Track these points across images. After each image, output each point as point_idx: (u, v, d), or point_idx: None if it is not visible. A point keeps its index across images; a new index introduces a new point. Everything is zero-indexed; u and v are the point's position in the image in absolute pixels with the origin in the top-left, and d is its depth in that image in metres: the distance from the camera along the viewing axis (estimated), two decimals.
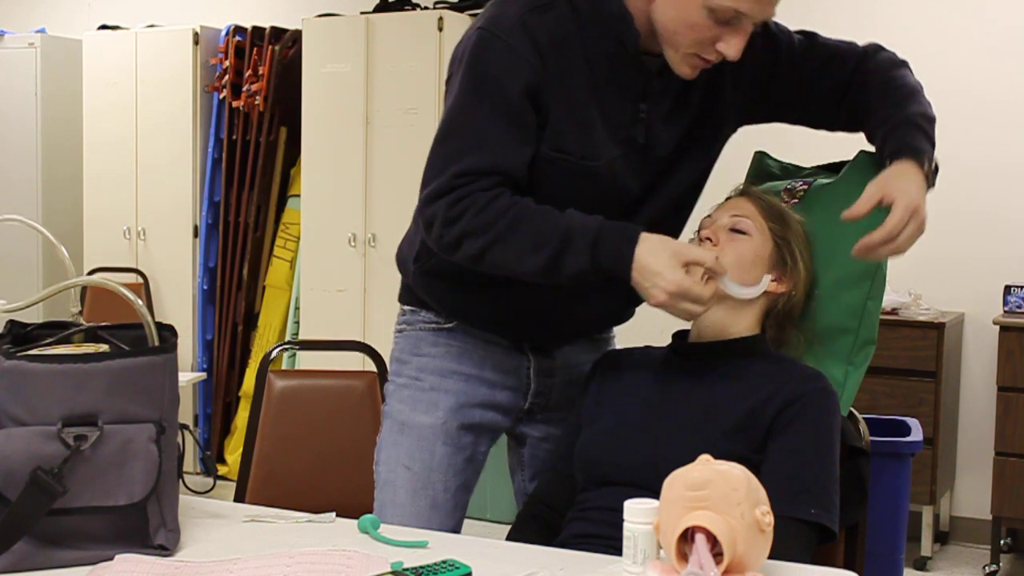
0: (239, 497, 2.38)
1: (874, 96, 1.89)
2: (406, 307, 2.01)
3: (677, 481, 1.36)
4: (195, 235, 5.27)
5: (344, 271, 4.84)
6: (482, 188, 1.70)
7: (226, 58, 5.20)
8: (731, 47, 1.70)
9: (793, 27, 1.99)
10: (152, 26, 5.50)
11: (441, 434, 1.93)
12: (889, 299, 4.07)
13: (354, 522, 1.65)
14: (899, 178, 1.77)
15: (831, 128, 1.96)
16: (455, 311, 1.93)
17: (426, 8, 4.86)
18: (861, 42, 1.99)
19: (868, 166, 1.88)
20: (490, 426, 1.99)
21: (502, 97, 1.72)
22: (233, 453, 5.21)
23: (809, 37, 1.97)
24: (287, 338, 5.13)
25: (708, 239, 1.82)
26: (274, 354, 2.54)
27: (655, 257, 1.66)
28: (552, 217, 1.71)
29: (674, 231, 1.92)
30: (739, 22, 1.68)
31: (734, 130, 1.96)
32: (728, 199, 1.90)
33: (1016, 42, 4.27)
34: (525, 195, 1.74)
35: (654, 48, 1.76)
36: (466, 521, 2.03)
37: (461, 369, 1.95)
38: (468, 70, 1.74)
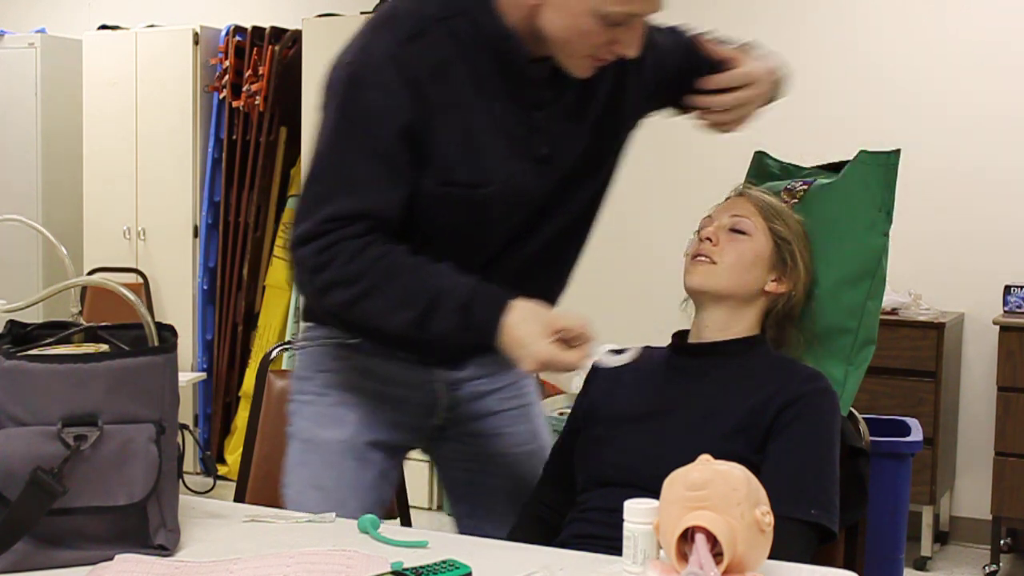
0: (239, 497, 2.37)
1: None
2: (308, 323, 1.92)
3: (677, 481, 1.36)
4: (195, 235, 5.27)
5: None
6: (352, 235, 1.66)
7: (226, 58, 5.20)
8: (629, 47, 1.68)
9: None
10: (152, 26, 5.50)
11: (350, 450, 1.87)
12: (889, 299, 4.07)
13: (354, 522, 1.65)
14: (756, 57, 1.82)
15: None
16: (357, 328, 1.85)
17: None
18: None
19: (868, 166, 1.88)
20: (400, 444, 1.93)
21: (373, 138, 1.66)
22: (233, 453, 5.21)
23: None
24: (287, 338, 5.13)
25: (708, 239, 1.82)
26: (274, 354, 2.53)
27: (523, 327, 1.63)
28: (424, 274, 1.67)
29: (579, 244, 1.92)
30: (631, 22, 1.66)
31: (635, 125, 1.93)
32: (728, 199, 1.90)
33: (1016, 44, 4.27)
34: (401, 236, 1.70)
35: (543, 52, 1.71)
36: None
37: (366, 385, 1.88)
38: (338, 110, 1.68)
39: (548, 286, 1.92)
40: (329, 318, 1.88)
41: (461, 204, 1.72)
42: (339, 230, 1.66)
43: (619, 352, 1.69)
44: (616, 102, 1.84)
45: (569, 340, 1.65)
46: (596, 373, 1.92)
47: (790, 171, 2.07)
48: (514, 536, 1.83)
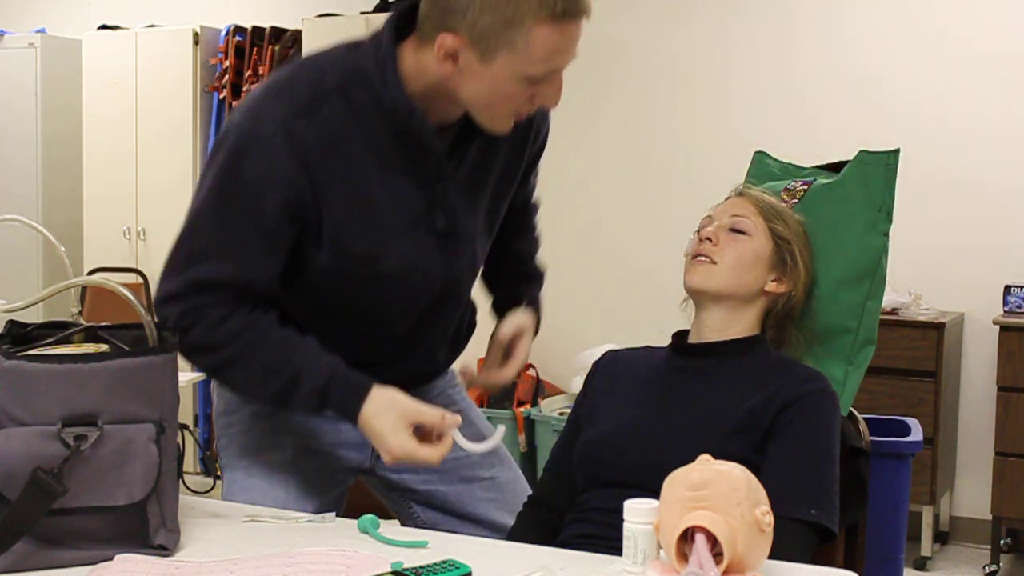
0: None
1: (530, 240, 2.07)
2: None
3: (677, 481, 1.36)
4: None
5: None
6: (216, 302, 1.66)
7: (226, 58, 5.20)
8: (551, 98, 1.67)
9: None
10: (152, 26, 5.50)
11: (293, 469, 1.86)
12: (889, 299, 4.07)
13: (354, 522, 1.65)
14: (528, 330, 1.92)
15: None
16: None
17: None
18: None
19: (868, 166, 1.88)
20: (343, 467, 1.93)
21: (253, 207, 1.64)
22: None
23: None
24: None
25: (708, 239, 1.82)
26: None
27: (380, 419, 1.65)
28: (286, 351, 1.68)
29: (467, 298, 1.94)
30: (552, 76, 1.64)
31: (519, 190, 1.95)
32: (728, 199, 1.90)
33: (1017, 46, 4.27)
34: (271, 305, 1.71)
35: (447, 118, 1.71)
36: None
37: (288, 436, 1.88)
38: (222, 171, 1.65)
39: (434, 344, 1.94)
40: None
41: (358, 282, 1.73)
42: (203, 294, 1.66)
43: (479, 441, 1.73)
44: (511, 172, 1.86)
45: (426, 435, 1.67)
46: (596, 372, 1.92)
47: (790, 171, 2.07)
48: (514, 536, 1.83)
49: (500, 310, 1.99)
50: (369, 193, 1.69)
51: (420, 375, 1.93)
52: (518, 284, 2.03)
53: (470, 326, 2.01)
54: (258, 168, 1.63)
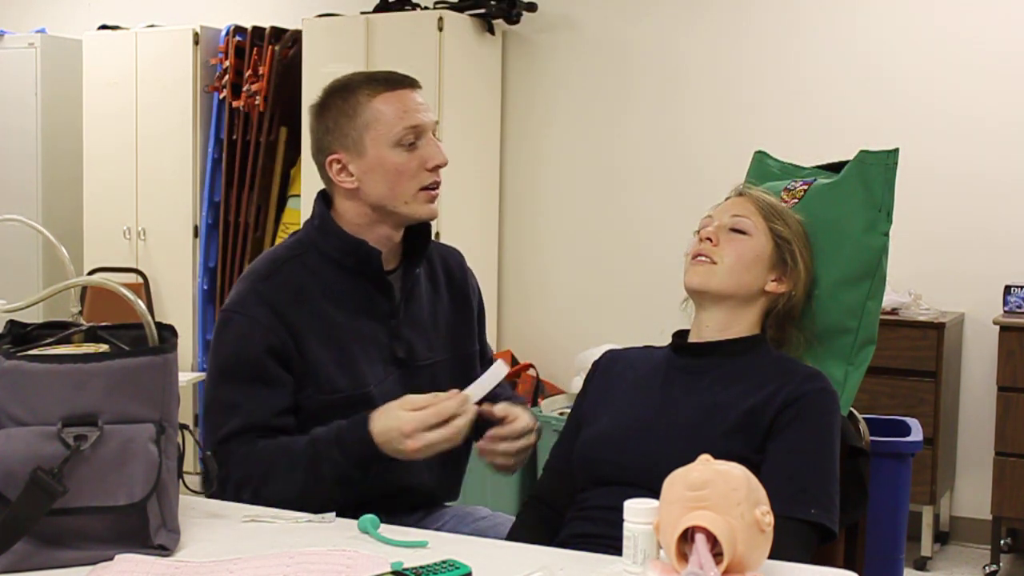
0: None
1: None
2: None
3: (677, 481, 1.36)
4: (195, 235, 5.26)
5: None
6: (238, 445, 1.84)
7: (226, 58, 5.20)
8: (435, 154, 1.92)
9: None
10: (152, 26, 5.49)
11: None
12: (889, 299, 4.07)
13: (354, 522, 1.65)
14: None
15: None
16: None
17: (426, 8, 4.86)
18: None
19: (868, 166, 1.88)
20: None
21: (244, 364, 1.87)
22: None
23: None
24: None
25: (708, 239, 1.82)
26: None
27: (384, 418, 1.78)
28: (296, 440, 1.84)
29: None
30: (424, 134, 1.92)
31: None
32: (728, 199, 1.90)
33: (1017, 45, 4.27)
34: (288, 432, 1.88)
35: (387, 249, 1.95)
36: None
37: None
38: (214, 351, 1.92)
39: (423, 466, 1.96)
40: None
41: (350, 408, 1.85)
42: (227, 446, 1.85)
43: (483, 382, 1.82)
44: (463, 314, 2.09)
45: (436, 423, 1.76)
46: (596, 372, 1.92)
47: (790, 171, 2.07)
48: (514, 534, 1.83)
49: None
50: (340, 335, 1.91)
51: (417, 493, 2.01)
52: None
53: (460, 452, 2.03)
54: (240, 330, 1.88)
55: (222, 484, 1.83)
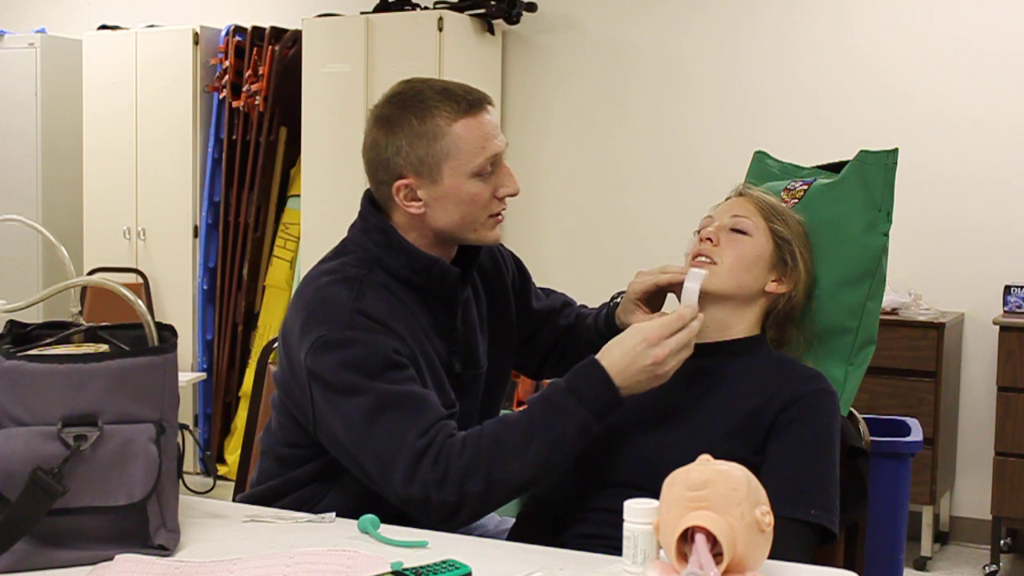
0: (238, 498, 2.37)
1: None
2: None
3: (677, 481, 1.36)
4: (195, 235, 5.27)
5: None
6: (446, 435, 1.67)
7: (226, 58, 5.20)
8: (509, 183, 1.82)
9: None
10: (152, 26, 5.49)
11: None
12: (889, 299, 4.07)
13: (354, 522, 1.65)
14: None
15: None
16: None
17: (426, 8, 4.86)
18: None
19: (868, 166, 1.88)
20: None
21: (384, 365, 1.69)
22: (233, 453, 5.21)
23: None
24: None
25: (708, 239, 1.82)
26: (276, 345, 2.50)
27: (615, 347, 1.69)
28: (511, 416, 1.70)
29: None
30: (499, 163, 1.80)
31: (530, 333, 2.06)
32: (728, 199, 1.90)
33: (1017, 45, 4.27)
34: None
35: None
36: None
37: None
38: (339, 371, 1.69)
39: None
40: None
41: None
42: (433, 437, 1.65)
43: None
44: (503, 305, 2.00)
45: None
46: None
47: (790, 171, 2.07)
48: (514, 536, 1.83)
49: (608, 318, 2.01)
50: (426, 348, 1.79)
51: None
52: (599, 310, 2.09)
53: None
54: (365, 339, 1.70)
55: (440, 482, 1.63)
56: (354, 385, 1.68)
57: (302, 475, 1.83)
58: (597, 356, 1.69)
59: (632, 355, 1.67)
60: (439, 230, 1.81)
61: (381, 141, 1.79)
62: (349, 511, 1.70)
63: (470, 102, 1.78)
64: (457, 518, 1.65)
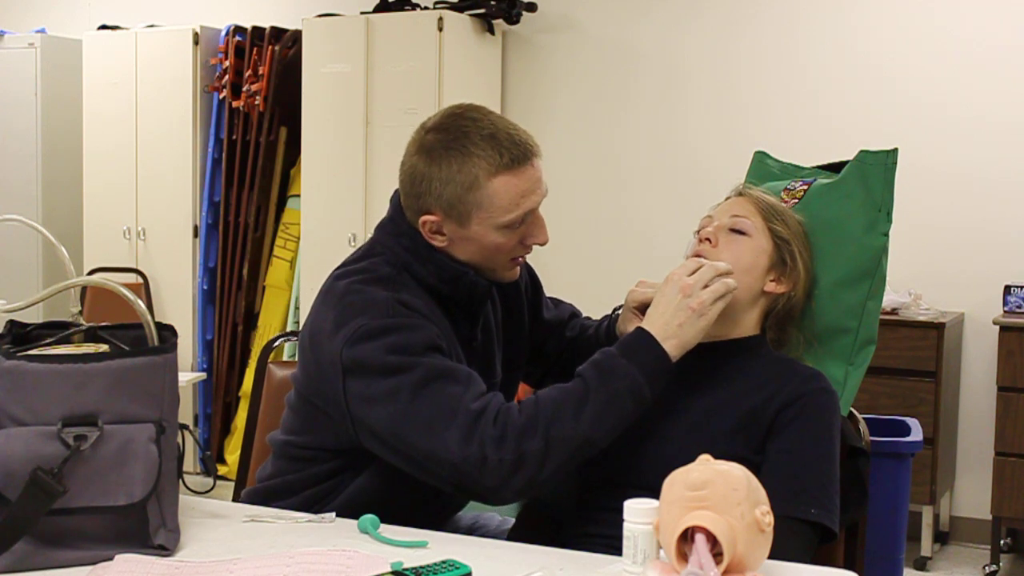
0: (239, 497, 2.37)
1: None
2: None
3: (677, 481, 1.36)
4: (195, 235, 5.27)
5: None
6: (500, 400, 1.67)
7: (226, 58, 5.20)
8: (538, 234, 1.80)
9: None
10: (152, 26, 5.49)
11: None
12: (889, 299, 4.07)
13: (354, 522, 1.65)
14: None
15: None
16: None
17: (426, 8, 4.86)
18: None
19: (868, 166, 1.88)
20: None
21: (431, 350, 1.68)
22: (233, 453, 5.21)
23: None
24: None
25: (707, 239, 1.81)
26: (276, 344, 2.50)
27: (652, 312, 1.71)
28: (562, 384, 1.68)
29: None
30: (531, 216, 1.77)
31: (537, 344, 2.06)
32: (728, 199, 1.90)
33: (1017, 44, 4.27)
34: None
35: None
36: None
37: None
38: (383, 355, 1.66)
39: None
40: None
41: None
42: (487, 400, 1.65)
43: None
44: (518, 317, 2.00)
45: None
46: None
47: (790, 171, 2.07)
48: (514, 536, 1.83)
49: (609, 329, 2.03)
50: (456, 351, 1.78)
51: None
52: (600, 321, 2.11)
53: None
54: (406, 325, 1.69)
55: (499, 441, 1.60)
56: (399, 364, 1.66)
57: (317, 473, 1.82)
58: (642, 324, 1.71)
59: (668, 311, 1.70)
60: (459, 261, 1.80)
61: (419, 171, 1.75)
62: (363, 509, 1.69)
63: (514, 156, 1.72)
64: (514, 480, 1.61)
